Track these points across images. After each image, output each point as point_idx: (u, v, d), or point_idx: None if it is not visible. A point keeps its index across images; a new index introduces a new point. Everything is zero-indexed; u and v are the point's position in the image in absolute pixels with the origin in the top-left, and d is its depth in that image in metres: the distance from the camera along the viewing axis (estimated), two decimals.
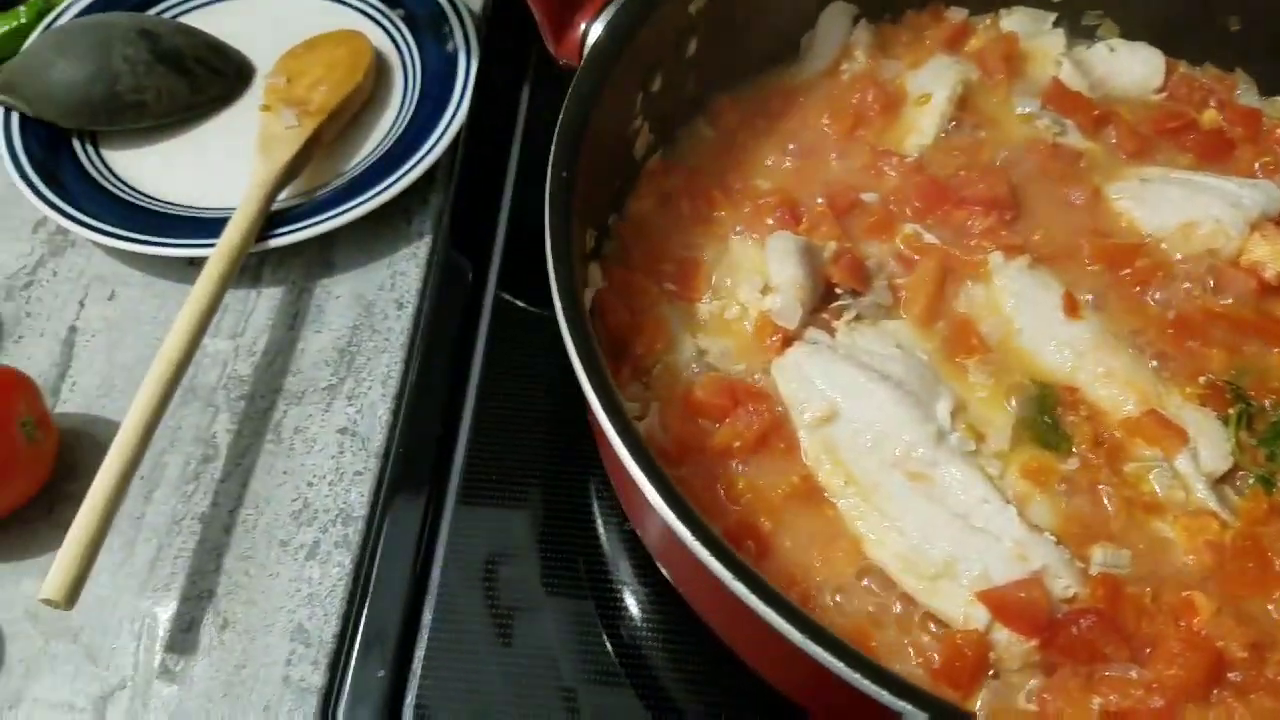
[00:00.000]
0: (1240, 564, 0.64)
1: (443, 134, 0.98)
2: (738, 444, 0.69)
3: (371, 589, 0.76)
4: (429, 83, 1.04)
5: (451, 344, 0.88)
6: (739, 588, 0.48)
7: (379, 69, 1.06)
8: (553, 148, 0.66)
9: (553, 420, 0.86)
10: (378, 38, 1.07)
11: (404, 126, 1.01)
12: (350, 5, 1.11)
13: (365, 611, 0.76)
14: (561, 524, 0.81)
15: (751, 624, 0.51)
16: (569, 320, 0.59)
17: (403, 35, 1.09)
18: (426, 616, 0.75)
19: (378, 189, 0.94)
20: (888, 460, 0.67)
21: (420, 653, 0.74)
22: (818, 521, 0.67)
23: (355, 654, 0.74)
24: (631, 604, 0.78)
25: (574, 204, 0.66)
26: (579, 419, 0.82)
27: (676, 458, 0.69)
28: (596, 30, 0.75)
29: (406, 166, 0.96)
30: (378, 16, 1.10)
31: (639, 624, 0.77)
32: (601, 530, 0.82)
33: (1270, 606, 0.63)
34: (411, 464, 0.82)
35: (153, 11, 1.09)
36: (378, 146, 1.00)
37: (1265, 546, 0.65)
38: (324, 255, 0.96)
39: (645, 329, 0.74)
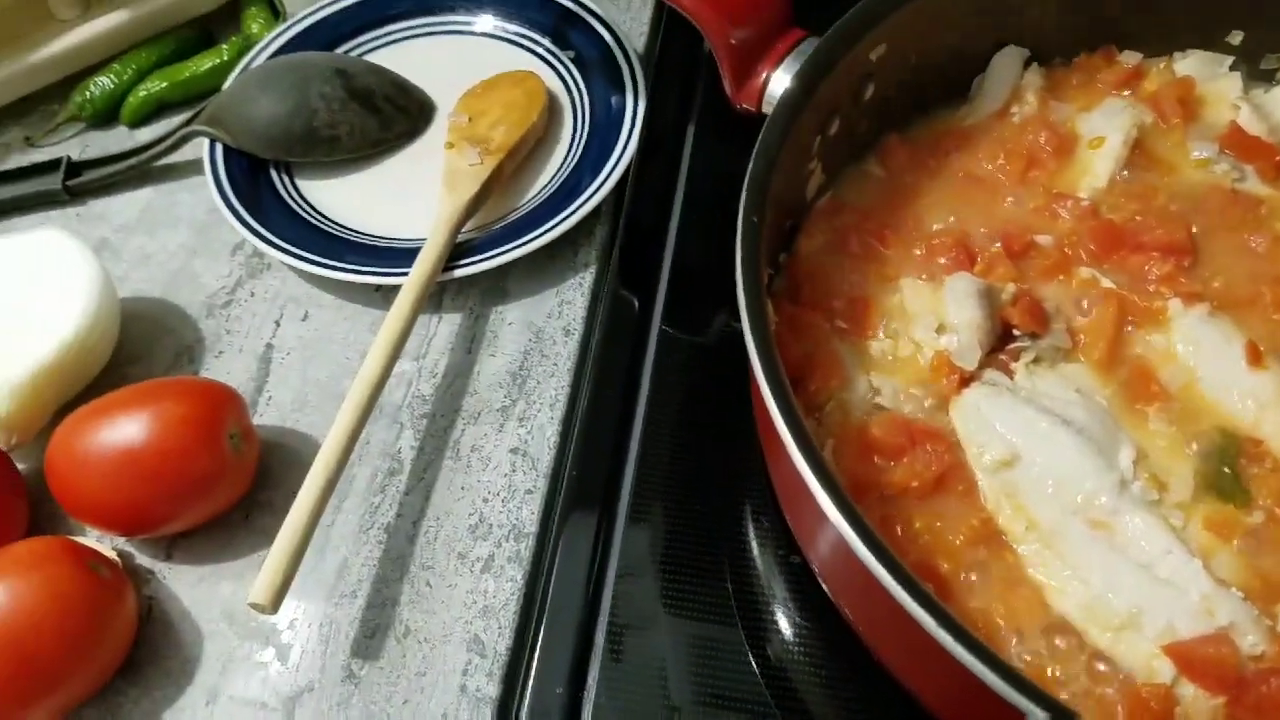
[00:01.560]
0: None
1: (611, 172, 1.02)
2: (915, 484, 0.70)
3: (548, 606, 0.80)
4: (598, 122, 1.08)
5: (621, 373, 0.92)
6: (943, 636, 0.50)
7: (551, 108, 1.11)
8: (743, 194, 0.68)
9: (712, 447, 0.89)
10: (549, 78, 1.13)
11: (574, 164, 1.05)
12: (523, 47, 1.17)
13: (542, 628, 0.79)
14: (715, 547, 0.84)
15: (939, 665, 0.52)
16: (762, 359, 0.61)
17: (573, 76, 1.13)
18: (599, 638, 0.79)
19: (551, 224, 0.98)
20: (1069, 507, 0.68)
21: (595, 671, 0.77)
22: (998, 566, 0.67)
23: (534, 669, 0.77)
24: (786, 630, 0.80)
25: (760, 247, 0.69)
26: (736, 446, 0.86)
27: (853, 495, 0.70)
28: (779, 78, 0.78)
29: (577, 203, 1.00)
30: (549, 58, 1.15)
31: (793, 650, 0.79)
32: (756, 555, 0.84)
33: None
34: (585, 485, 0.86)
35: (341, 50, 1.17)
36: (550, 182, 1.05)
37: None
38: (499, 284, 1.01)
39: (819, 365, 0.76)
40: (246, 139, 1.06)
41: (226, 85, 1.12)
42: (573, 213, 0.99)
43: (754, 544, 0.85)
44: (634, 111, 1.07)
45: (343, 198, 1.06)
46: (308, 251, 0.98)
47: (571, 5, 1.16)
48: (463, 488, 0.89)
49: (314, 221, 1.03)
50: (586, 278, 1.01)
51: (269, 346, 0.98)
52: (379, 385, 0.85)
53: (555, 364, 0.95)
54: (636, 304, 0.98)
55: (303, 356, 0.97)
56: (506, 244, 0.97)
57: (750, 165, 0.70)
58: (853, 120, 0.84)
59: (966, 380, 0.75)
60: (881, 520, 0.69)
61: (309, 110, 1.05)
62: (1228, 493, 0.69)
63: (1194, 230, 0.81)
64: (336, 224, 1.03)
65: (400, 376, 0.95)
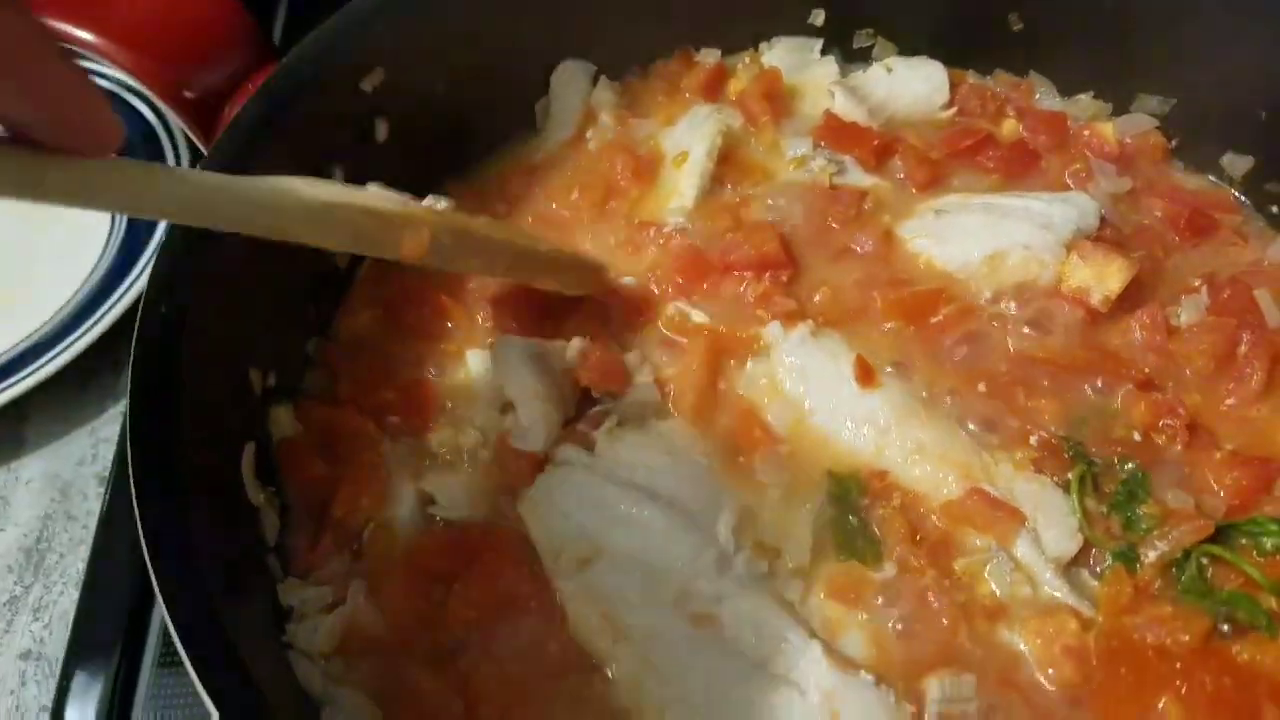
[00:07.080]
0: (1111, 672, 0.51)
1: (149, 263, 0.83)
2: (474, 614, 0.54)
3: None
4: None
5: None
6: None
7: None
8: (137, 332, 0.52)
9: None
10: None
11: (109, 263, 0.86)
12: None
13: None
14: None
15: None
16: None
17: None
18: None
19: (75, 335, 0.79)
20: (664, 601, 0.53)
21: None
22: (582, 704, 0.51)
23: None
24: None
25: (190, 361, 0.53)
26: None
27: (398, 647, 0.53)
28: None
29: (109, 303, 0.81)
30: None
31: None
32: None
33: None
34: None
35: None
36: (79, 290, 0.85)
37: (1137, 642, 0.52)
38: (14, 430, 0.79)
39: (347, 481, 0.59)
40: None
41: None
42: (103, 316, 0.79)
43: None
44: None
45: None
46: None
47: (107, 84, 0.97)
48: None
49: None
50: None
51: None
52: None
53: (85, 525, 0.75)
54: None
55: None
56: (17, 373, 0.76)
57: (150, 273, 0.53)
58: (372, 166, 0.67)
59: (541, 465, 0.59)
60: (433, 673, 0.52)
61: None
62: (855, 547, 0.56)
63: (793, 239, 0.69)
64: None
65: None
